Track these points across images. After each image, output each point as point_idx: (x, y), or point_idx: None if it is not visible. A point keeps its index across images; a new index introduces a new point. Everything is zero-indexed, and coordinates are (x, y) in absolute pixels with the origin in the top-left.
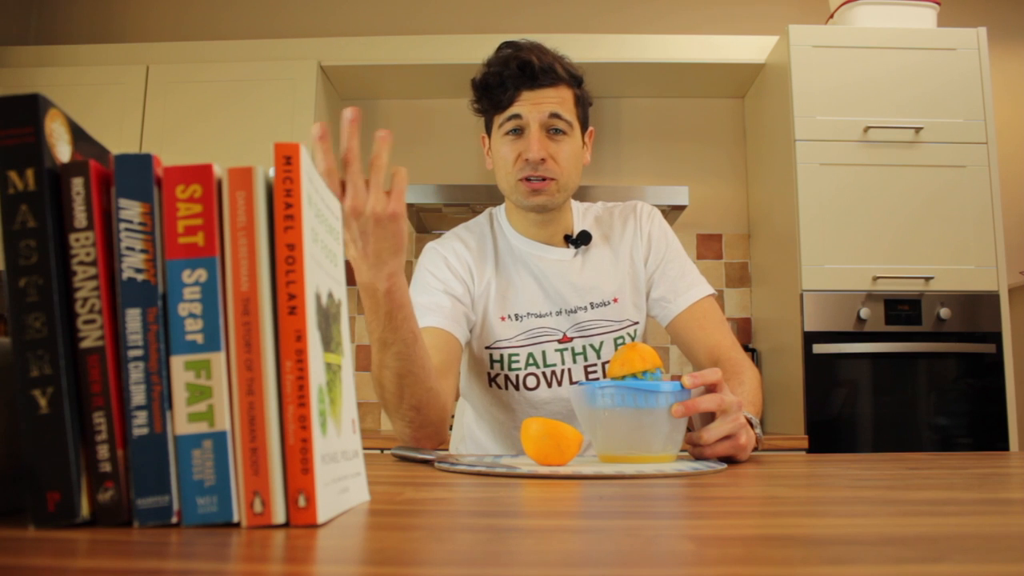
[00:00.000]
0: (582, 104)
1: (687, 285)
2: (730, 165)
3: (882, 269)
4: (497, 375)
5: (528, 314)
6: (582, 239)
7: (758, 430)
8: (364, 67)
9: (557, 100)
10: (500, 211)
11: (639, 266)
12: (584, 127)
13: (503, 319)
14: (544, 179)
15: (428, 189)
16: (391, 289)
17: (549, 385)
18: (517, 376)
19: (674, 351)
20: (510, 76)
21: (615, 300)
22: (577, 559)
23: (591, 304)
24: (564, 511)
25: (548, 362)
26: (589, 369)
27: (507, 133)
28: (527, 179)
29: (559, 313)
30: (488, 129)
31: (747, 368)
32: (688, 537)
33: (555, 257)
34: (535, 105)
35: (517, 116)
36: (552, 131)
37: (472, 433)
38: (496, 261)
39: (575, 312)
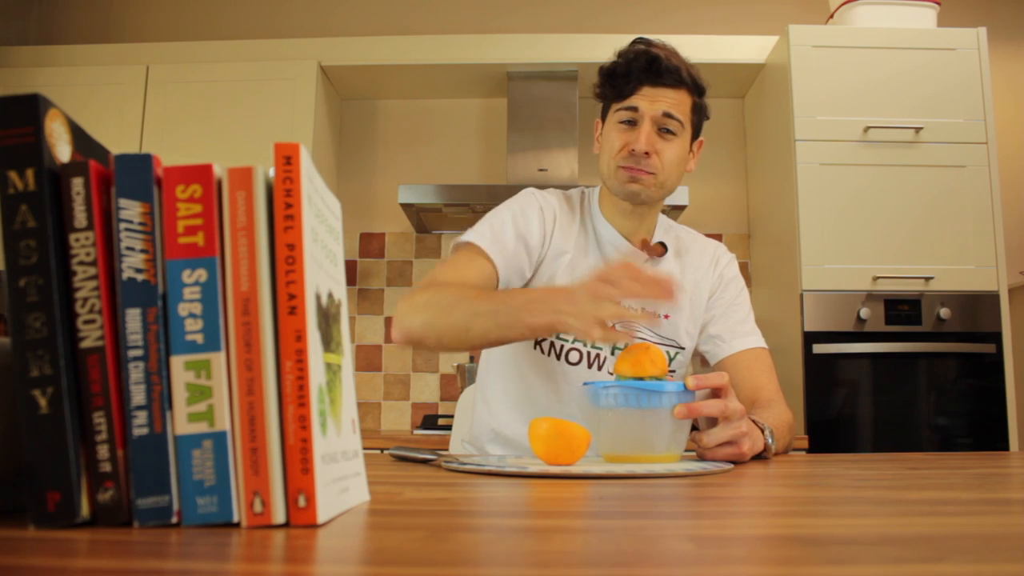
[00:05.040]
0: (698, 112)
1: (746, 331)
2: (730, 165)
3: (882, 269)
4: (544, 339)
5: None
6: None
7: (770, 439)
8: (364, 67)
9: (674, 101)
10: (593, 193)
11: (702, 297)
12: (696, 135)
13: None
14: (645, 172)
15: (428, 189)
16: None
17: (590, 366)
18: (563, 347)
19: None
20: (636, 69)
21: (666, 316)
22: (577, 559)
23: (643, 309)
24: (564, 511)
25: (594, 344)
26: None
27: (620, 122)
28: (628, 167)
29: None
30: (603, 115)
31: (781, 405)
32: (688, 537)
33: (628, 253)
34: (652, 101)
35: (633, 108)
36: (663, 130)
37: (489, 400)
38: (579, 235)
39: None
